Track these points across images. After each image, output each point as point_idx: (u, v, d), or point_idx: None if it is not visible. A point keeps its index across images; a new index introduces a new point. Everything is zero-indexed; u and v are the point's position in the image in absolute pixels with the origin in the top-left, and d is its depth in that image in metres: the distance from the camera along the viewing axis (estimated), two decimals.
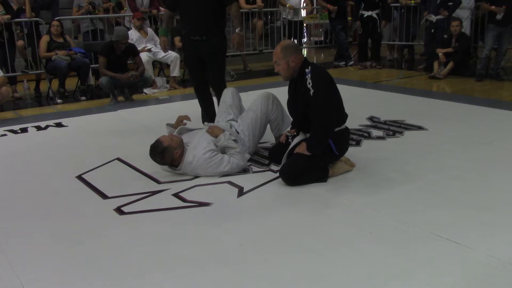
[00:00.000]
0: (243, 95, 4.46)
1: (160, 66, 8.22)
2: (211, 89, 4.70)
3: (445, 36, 7.90)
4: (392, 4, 9.32)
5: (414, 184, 3.42)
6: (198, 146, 3.67)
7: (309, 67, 3.35)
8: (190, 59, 4.59)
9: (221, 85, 4.53)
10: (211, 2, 4.28)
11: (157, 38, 7.36)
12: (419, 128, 4.78)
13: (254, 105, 4.08)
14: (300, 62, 3.40)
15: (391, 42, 9.97)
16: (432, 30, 8.17)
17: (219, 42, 4.44)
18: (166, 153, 3.59)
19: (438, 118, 5.14)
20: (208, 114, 4.66)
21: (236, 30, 4.43)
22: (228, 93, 4.28)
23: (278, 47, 3.46)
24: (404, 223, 2.83)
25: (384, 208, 3.04)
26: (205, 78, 4.60)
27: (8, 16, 6.93)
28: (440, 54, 7.74)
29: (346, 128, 3.59)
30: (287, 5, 9.37)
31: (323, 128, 3.33)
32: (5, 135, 5.06)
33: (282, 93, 6.32)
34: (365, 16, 8.59)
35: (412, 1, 9.17)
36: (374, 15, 8.56)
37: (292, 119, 3.80)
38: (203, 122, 4.51)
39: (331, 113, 3.32)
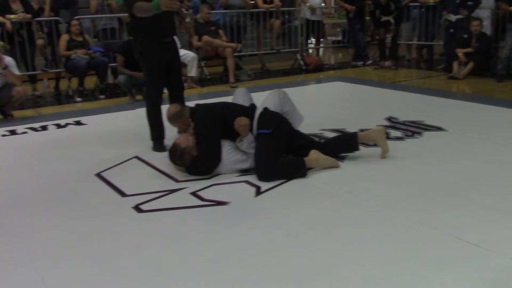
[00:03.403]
0: (260, 94, 4.45)
1: None
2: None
3: (465, 36, 7.80)
4: (410, 4, 9.25)
5: (433, 186, 3.39)
6: None
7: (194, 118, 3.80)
8: (159, 64, 4.16)
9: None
10: None
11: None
12: (439, 129, 4.73)
13: (266, 101, 4.07)
14: (187, 120, 3.88)
15: (410, 42, 9.89)
16: (452, 30, 8.08)
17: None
18: (185, 154, 3.57)
19: (457, 119, 5.08)
20: (160, 128, 4.32)
21: (186, 20, 4.61)
22: (238, 93, 4.28)
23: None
24: (422, 225, 2.80)
25: (402, 210, 3.02)
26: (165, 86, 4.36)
27: (29, 15, 7.04)
28: (460, 54, 7.65)
29: (265, 110, 3.78)
30: (307, 4, 9.33)
31: (199, 160, 3.62)
32: (25, 132, 5.13)
33: (298, 91, 6.33)
34: (382, 20, 8.81)
35: (431, 0, 9.07)
36: (391, 20, 8.78)
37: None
38: (152, 139, 4.33)
39: (205, 153, 3.62)
